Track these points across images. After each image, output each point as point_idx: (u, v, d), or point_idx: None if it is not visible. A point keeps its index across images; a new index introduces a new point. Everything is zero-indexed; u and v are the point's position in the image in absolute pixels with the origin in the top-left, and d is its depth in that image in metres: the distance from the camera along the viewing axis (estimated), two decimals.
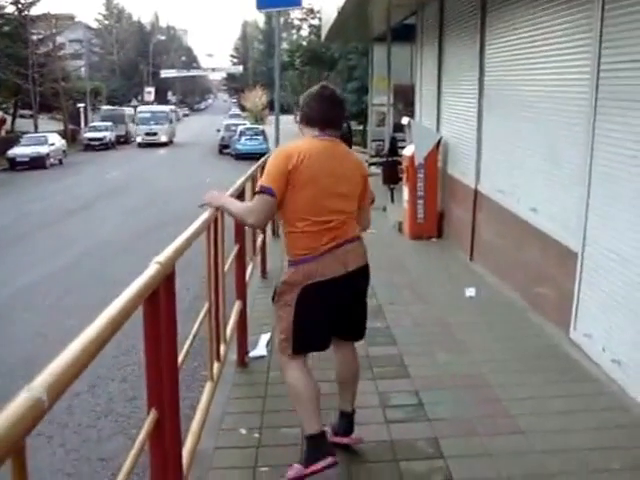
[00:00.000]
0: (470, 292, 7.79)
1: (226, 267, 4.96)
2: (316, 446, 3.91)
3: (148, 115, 51.46)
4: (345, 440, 4.33)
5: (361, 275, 4.08)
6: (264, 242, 9.17)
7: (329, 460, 3.81)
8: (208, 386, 4.18)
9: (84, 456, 5.12)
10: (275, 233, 11.66)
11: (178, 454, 2.94)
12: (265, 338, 6.45)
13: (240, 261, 5.87)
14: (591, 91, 5.64)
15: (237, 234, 5.77)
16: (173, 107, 66.92)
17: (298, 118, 4.28)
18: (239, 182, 6.20)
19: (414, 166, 10.97)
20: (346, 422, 4.34)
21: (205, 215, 3.96)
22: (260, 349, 6.22)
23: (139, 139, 49.62)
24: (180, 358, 3.07)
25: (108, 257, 12.05)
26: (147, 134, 49.23)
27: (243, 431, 4.66)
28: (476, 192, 9.25)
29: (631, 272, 5.01)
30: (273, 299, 4.04)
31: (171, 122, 53.05)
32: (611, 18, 5.35)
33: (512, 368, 5.66)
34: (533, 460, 4.16)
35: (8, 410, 1.32)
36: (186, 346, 3.42)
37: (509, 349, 6.10)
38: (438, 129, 11.52)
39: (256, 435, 4.59)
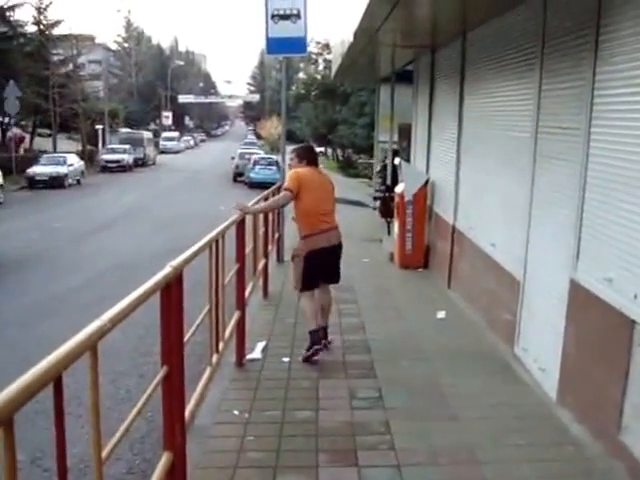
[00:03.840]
0: (441, 314, 9.09)
1: (226, 280, 6.26)
2: (314, 336, 7.27)
3: None
4: (322, 341, 7.36)
5: (338, 247, 7.42)
6: (266, 265, 10.40)
7: (321, 344, 7.33)
8: (208, 370, 5.47)
9: (109, 430, 6.25)
10: (279, 259, 12.89)
11: (182, 404, 4.22)
12: (261, 345, 7.76)
13: (240, 277, 7.16)
14: (532, 148, 6.96)
15: (238, 255, 7.07)
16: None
17: (294, 159, 7.65)
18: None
19: (404, 202, 12.29)
20: (323, 331, 7.47)
21: (209, 235, 5.31)
22: (256, 353, 7.53)
23: None
24: (186, 337, 4.37)
25: (126, 274, 12.95)
26: None
27: (236, 412, 5.99)
28: (454, 228, 10.53)
29: (551, 297, 6.32)
30: (292, 259, 7.51)
31: None
32: (546, 91, 6.70)
33: (462, 374, 6.97)
34: (459, 437, 5.46)
35: (89, 326, 2.67)
36: (192, 329, 4.76)
37: (463, 360, 7.41)
38: (428, 170, 12.80)
39: (246, 415, 5.91)
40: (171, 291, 3.91)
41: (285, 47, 12.98)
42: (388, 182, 16.57)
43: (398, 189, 12.76)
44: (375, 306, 9.78)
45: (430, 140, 12.74)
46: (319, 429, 5.62)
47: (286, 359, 7.36)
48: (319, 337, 7.32)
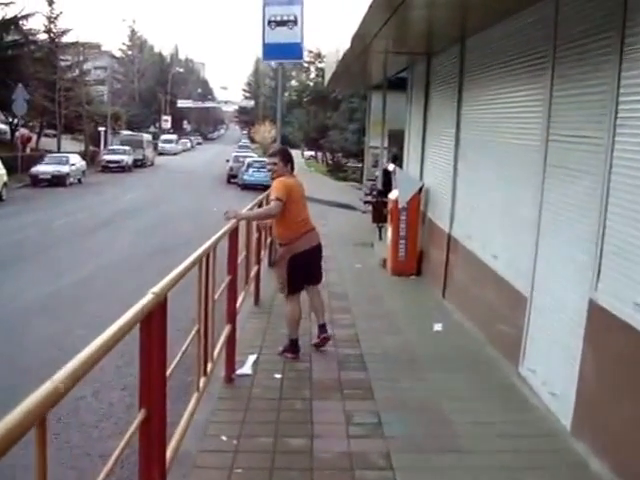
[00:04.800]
0: (438, 327, 8.25)
1: (217, 295, 5.40)
2: (292, 345, 7.14)
3: None
4: (322, 336, 7.33)
5: (318, 248, 7.26)
6: (258, 272, 9.58)
7: (296, 355, 7.10)
8: (194, 396, 4.62)
9: (86, 452, 5.45)
10: (271, 264, 12.07)
11: (162, 450, 3.38)
12: (252, 359, 6.90)
13: (232, 290, 6.31)
14: (541, 157, 6.16)
15: (230, 266, 6.22)
16: None
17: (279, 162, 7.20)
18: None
19: (398, 209, 11.46)
20: (322, 329, 7.37)
21: (198, 251, 4.46)
22: (246, 368, 6.66)
23: None
24: (169, 370, 3.53)
25: (121, 274, 12.38)
26: None
27: (224, 438, 5.11)
28: (449, 236, 9.69)
29: (566, 316, 5.49)
30: (275, 264, 7.74)
31: None
32: (558, 97, 5.91)
33: (465, 395, 6.15)
34: (467, 475, 4.62)
35: (36, 393, 1.82)
36: (176, 360, 3.88)
37: (464, 379, 6.57)
38: (422, 176, 12.00)
39: (235, 442, 5.04)
40: (152, 322, 3.08)
41: (281, 53, 12.46)
42: (380, 187, 15.77)
43: (392, 196, 11.94)
44: (369, 316, 8.91)
45: (424, 146, 11.95)
46: (314, 460, 4.78)
47: (278, 375, 6.52)
48: (297, 345, 7.23)
